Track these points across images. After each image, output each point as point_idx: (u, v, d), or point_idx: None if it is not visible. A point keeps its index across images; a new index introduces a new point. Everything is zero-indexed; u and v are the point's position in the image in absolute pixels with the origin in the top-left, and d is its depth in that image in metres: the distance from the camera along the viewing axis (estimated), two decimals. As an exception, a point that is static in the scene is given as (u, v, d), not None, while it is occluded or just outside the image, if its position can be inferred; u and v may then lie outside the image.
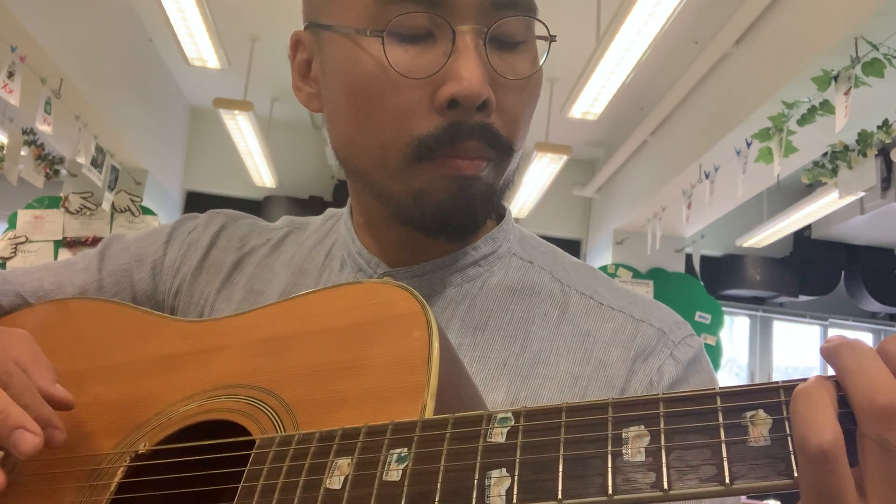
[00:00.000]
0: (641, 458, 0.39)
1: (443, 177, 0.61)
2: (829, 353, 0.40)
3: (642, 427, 0.40)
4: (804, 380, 0.40)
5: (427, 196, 0.62)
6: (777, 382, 0.40)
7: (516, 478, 0.41)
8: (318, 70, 0.68)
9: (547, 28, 0.63)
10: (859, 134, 3.14)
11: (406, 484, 0.43)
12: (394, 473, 0.44)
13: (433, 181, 0.62)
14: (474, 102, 0.59)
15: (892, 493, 0.36)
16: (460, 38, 0.59)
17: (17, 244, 4.48)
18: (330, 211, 0.84)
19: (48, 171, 4.63)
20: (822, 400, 0.38)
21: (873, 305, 6.23)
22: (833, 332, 6.65)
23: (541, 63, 0.64)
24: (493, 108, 0.60)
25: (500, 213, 0.76)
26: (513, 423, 0.44)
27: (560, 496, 0.39)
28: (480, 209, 0.64)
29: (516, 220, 0.79)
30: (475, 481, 0.42)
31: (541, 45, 0.66)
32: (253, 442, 0.52)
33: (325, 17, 0.65)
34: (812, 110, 2.85)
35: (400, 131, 0.61)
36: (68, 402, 0.60)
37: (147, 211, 4.89)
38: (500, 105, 0.61)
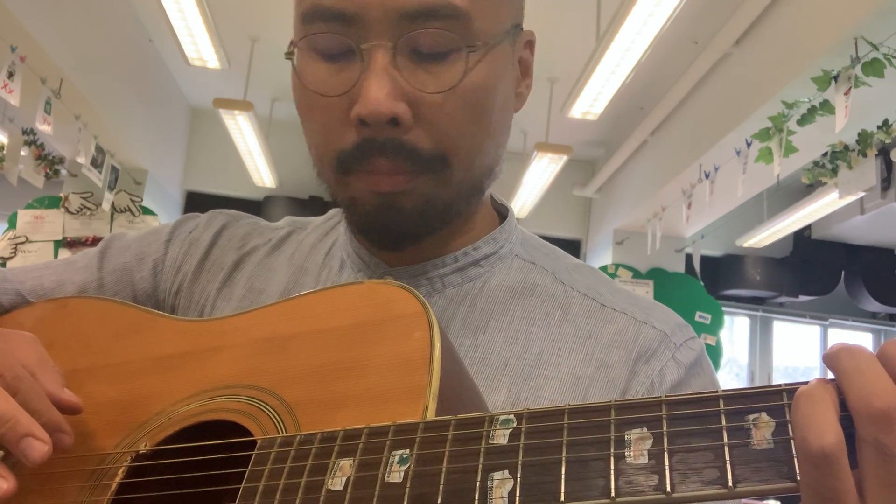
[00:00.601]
0: (644, 460, 0.39)
1: (367, 190, 0.63)
2: (829, 357, 0.40)
3: (645, 429, 0.40)
4: (806, 382, 0.40)
5: (356, 207, 0.64)
6: (780, 385, 0.40)
7: (518, 480, 0.41)
8: None
9: (459, 40, 0.59)
10: (859, 134, 3.14)
11: (408, 485, 0.43)
12: (396, 475, 0.44)
13: (361, 193, 0.63)
14: (377, 121, 0.59)
15: (890, 496, 0.36)
16: (369, 56, 0.59)
17: (17, 244, 4.48)
18: (332, 210, 0.84)
19: (48, 171, 4.64)
20: (824, 402, 0.38)
21: (873, 305, 6.23)
22: (833, 333, 6.66)
23: (467, 73, 0.60)
24: (407, 123, 0.60)
25: (502, 214, 0.76)
26: (515, 424, 0.43)
27: (562, 498, 0.39)
28: (413, 222, 0.63)
29: (516, 220, 0.78)
30: (477, 483, 0.42)
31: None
32: (254, 442, 0.52)
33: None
34: (812, 110, 2.85)
35: (326, 145, 0.63)
36: (77, 406, 0.60)
37: (147, 211, 4.89)
38: (423, 119, 0.60)
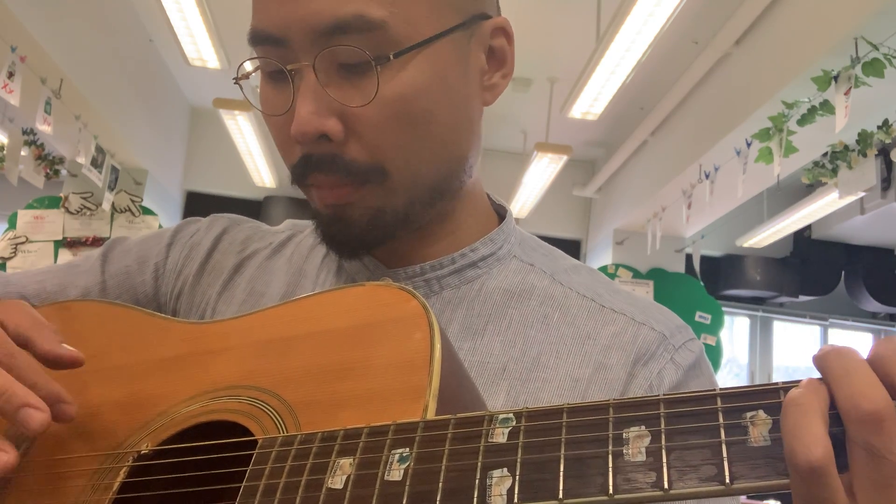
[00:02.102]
0: (642, 457, 0.39)
1: (319, 203, 0.65)
2: (818, 359, 0.40)
3: (643, 427, 0.40)
4: (799, 382, 0.40)
5: (316, 217, 0.67)
6: (777, 383, 0.40)
7: (517, 477, 0.41)
8: None
9: (368, 53, 0.59)
10: (859, 134, 3.14)
11: (408, 484, 0.44)
12: (395, 473, 0.44)
13: (316, 206, 0.66)
14: (306, 139, 0.61)
15: (881, 498, 0.36)
16: (295, 76, 0.60)
17: (17, 244, 4.49)
18: None
19: (48, 171, 4.64)
20: (812, 412, 0.37)
21: (873, 305, 6.23)
22: (833, 333, 6.66)
23: (378, 85, 0.59)
24: (338, 138, 0.61)
25: (501, 215, 0.76)
26: (514, 423, 0.44)
27: (561, 496, 0.40)
28: (363, 233, 0.64)
29: (515, 220, 0.78)
30: (476, 481, 0.42)
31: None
32: (255, 442, 0.52)
33: None
34: (812, 110, 2.85)
35: (284, 160, 0.66)
36: (77, 359, 0.60)
37: (147, 211, 4.89)
38: (355, 132, 0.61)
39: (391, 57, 0.59)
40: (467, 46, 0.65)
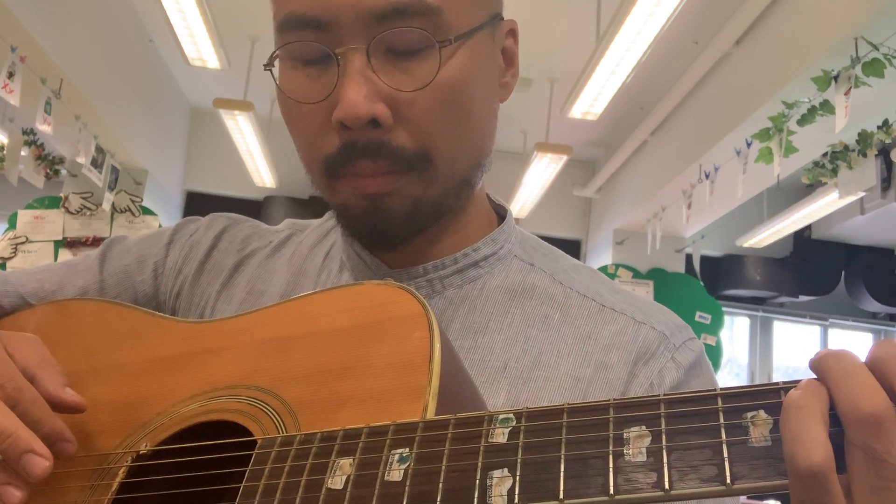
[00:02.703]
0: (643, 458, 0.39)
1: (353, 194, 0.63)
2: (816, 364, 0.40)
3: (643, 427, 0.40)
4: (798, 382, 0.40)
5: (346, 210, 0.65)
6: (778, 383, 0.40)
7: (518, 478, 0.41)
8: None
9: (430, 37, 0.60)
10: (859, 134, 3.14)
11: (408, 484, 0.43)
12: (395, 473, 0.44)
13: (349, 198, 0.64)
14: (357, 124, 0.59)
15: (879, 501, 0.36)
16: (344, 60, 0.59)
17: (17, 244, 4.48)
18: (330, 212, 0.84)
19: (48, 171, 4.64)
20: (812, 415, 0.37)
21: (873, 305, 6.23)
22: (833, 333, 6.66)
23: (438, 69, 0.60)
24: (387, 123, 0.60)
25: (501, 215, 0.76)
26: (514, 423, 0.44)
27: (562, 496, 0.39)
28: (401, 223, 0.64)
29: (516, 220, 0.78)
30: (477, 481, 0.42)
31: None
32: (254, 442, 0.52)
33: None
34: (812, 110, 2.85)
35: (312, 152, 0.64)
36: (79, 405, 0.60)
37: (147, 211, 4.89)
38: (403, 118, 0.61)
39: (452, 40, 0.60)
40: (492, 43, 0.67)
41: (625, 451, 0.40)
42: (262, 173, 5.38)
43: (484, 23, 0.64)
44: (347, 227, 0.67)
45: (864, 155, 3.15)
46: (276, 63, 0.65)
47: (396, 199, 0.62)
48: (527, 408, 0.44)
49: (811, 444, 0.36)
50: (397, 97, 0.60)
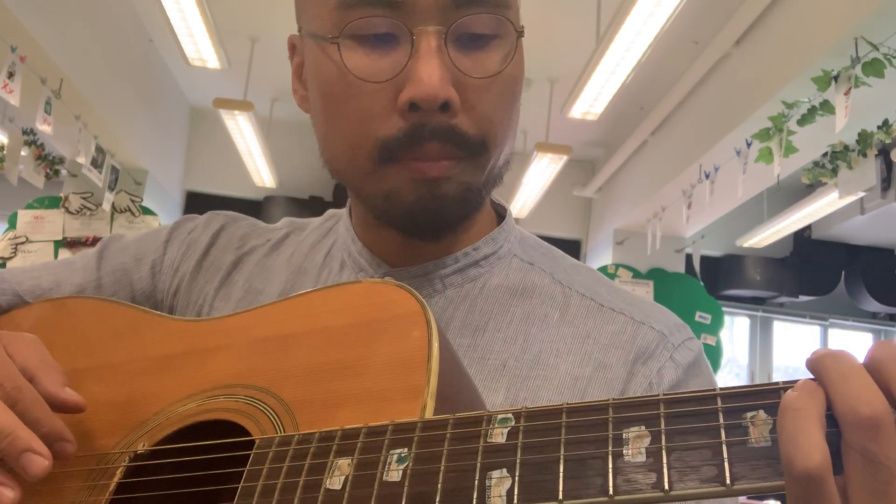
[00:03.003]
0: (642, 458, 0.39)
1: (410, 179, 0.62)
2: (813, 364, 0.40)
3: (643, 427, 0.40)
4: (795, 383, 0.39)
5: (396, 197, 0.63)
6: (777, 383, 0.40)
7: (517, 478, 0.41)
8: (305, 74, 0.69)
9: (513, 24, 0.62)
10: (859, 134, 3.14)
11: (406, 484, 0.43)
12: (394, 474, 0.44)
13: (401, 183, 0.62)
14: (433, 105, 0.59)
15: (876, 503, 0.36)
16: (420, 40, 0.59)
17: (17, 244, 4.48)
18: (330, 211, 0.84)
19: (48, 171, 4.64)
20: (809, 417, 0.37)
21: (873, 305, 6.22)
22: (833, 333, 6.66)
23: (510, 59, 0.62)
24: (456, 108, 0.60)
25: (500, 214, 0.76)
26: (513, 423, 0.43)
27: (561, 497, 0.39)
28: (453, 209, 0.63)
29: (516, 220, 0.78)
30: (475, 482, 0.42)
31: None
32: (252, 442, 0.52)
33: (304, 23, 0.66)
34: (812, 110, 2.85)
35: (364, 134, 0.62)
36: (79, 404, 0.60)
37: (147, 211, 4.89)
38: (468, 104, 0.61)
39: (524, 33, 0.63)
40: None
41: (624, 451, 0.40)
42: (262, 173, 5.37)
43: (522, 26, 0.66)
44: (394, 214, 0.64)
45: (864, 155, 3.15)
46: (308, 40, 0.64)
47: (452, 184, 0.62)
48: (525, 408, 0.44)
49: (808, 446, 0.36)
50: (466, 83, 0.60)
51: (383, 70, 0.60)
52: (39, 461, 0.53)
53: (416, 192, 0.62)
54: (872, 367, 0.38)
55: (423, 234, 0.66)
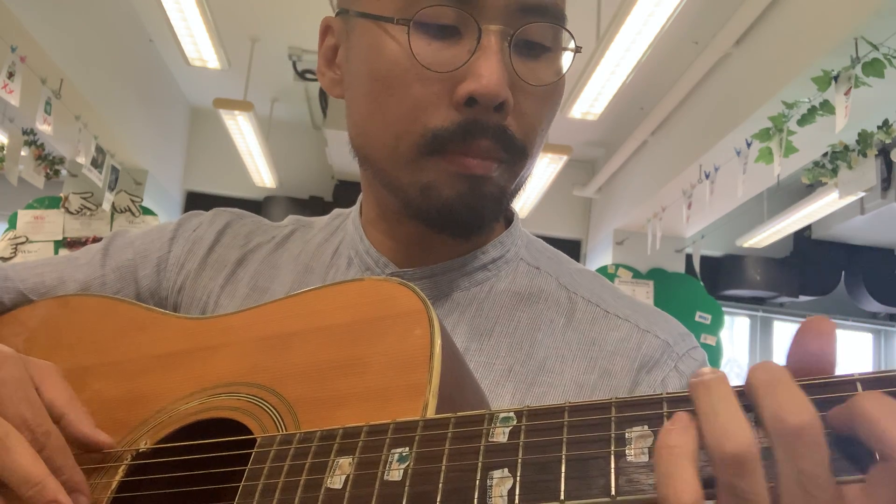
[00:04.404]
0: (645, 458, 0.39)
1: (452, 174, 0.61)
2: (691, 391, 0.39)
3: (646, 427, 0.40)
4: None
5: (435, 190, 0.62)
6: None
7: (518, 478, 0.41)
8: (343, 56, 0.69)
9: (573, 38, 0.63)
10: (859, 134, 3.14)
11: (407, 484, 0.43)
12: (395, 473, 0.44)
13: (442, 176, 0.62)
14: (492, 102, 0.59)
15: None
16: (485, 37, 0.59)
17: (17, 244, 4.48)
18: (336, 211, 0.84)
19: (48, 171, 4.63)
20: (683, 455, 0.36)
21: (873, 305, 6.22)
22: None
23: (563, 72, 0.64)
24: (510, 110, 0.60)
25: (508, 218, 0.76)
26: (515, 422, 0.43)
27: (562, 497, 0.39)
28: (489, 209, 0.64)
29: (516, 220, 0.79)
30: (477, 481, 0.42)
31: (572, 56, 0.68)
32: (254, 441, 0.52)
33: (357, 5, 0.65)
34: (812, 110, 2.84)
35: (414, 123, 0.61)
36: (109, 445, 0.60)
37: (147, 211, 4.88)
38: (518, 109, 0.62)
39: (581, 50, 0.64)
40: None
41: (627, 451, 0.40)
42: (262, 173, 5.37)
43: None
44: (429, 207, 0.63)
45: (864, 155, 3.15)
46: (361, 21, 0.64)
47: (491, 185, 0.63)
48: (528, 407, 0.44)
49: (681, 485, 0.36)
50: (520, 88, 0.61)
51: (445, 61, 0.60)
52: None
53: (456, 187, 0.62)
54: (746, 392, 0.38)
55: (454, 230, 0.64)
